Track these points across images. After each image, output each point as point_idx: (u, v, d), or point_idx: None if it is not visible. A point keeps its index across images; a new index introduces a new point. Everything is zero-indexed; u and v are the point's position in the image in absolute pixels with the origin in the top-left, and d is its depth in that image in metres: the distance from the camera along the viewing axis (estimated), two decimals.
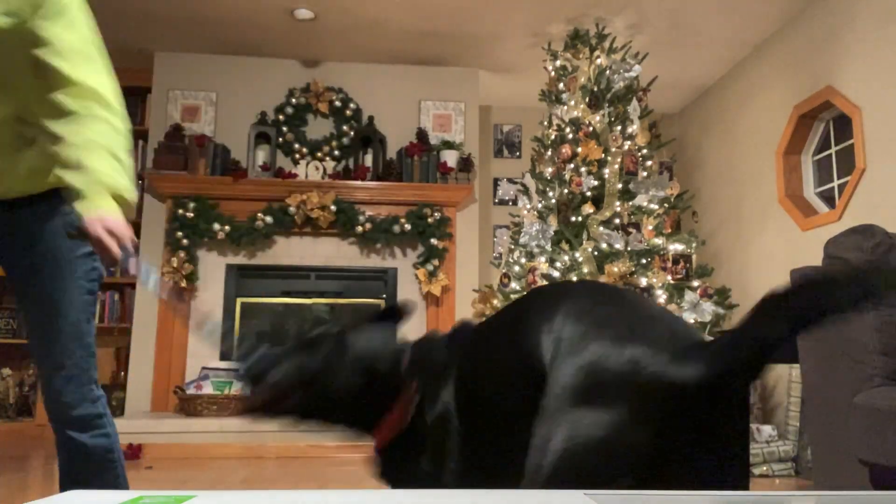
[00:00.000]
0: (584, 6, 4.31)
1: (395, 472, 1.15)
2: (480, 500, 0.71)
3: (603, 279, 3.74)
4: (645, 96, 4.35)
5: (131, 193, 1.42)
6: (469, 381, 1.07)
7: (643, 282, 3.81)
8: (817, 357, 1.85)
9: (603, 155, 4.16)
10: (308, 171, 4.88)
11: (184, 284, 4.64)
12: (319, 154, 4.98)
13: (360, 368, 1.13)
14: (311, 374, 1.13)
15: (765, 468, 3.56)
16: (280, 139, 4.98)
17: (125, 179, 1.41)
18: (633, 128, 4.22)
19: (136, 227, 4.94)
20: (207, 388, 4.33)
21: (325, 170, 4.90)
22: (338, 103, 5.06)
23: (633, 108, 4.24)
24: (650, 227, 3.98)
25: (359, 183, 4.86)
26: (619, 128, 4.20)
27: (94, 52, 1.45)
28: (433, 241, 4.85)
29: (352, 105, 5.07)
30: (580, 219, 4.09)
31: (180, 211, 4.69)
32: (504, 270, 4.38)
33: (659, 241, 3.97)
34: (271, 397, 1.13)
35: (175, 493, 0.72)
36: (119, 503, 0.68)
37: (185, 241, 4.68)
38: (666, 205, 4.12)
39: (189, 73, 5.04)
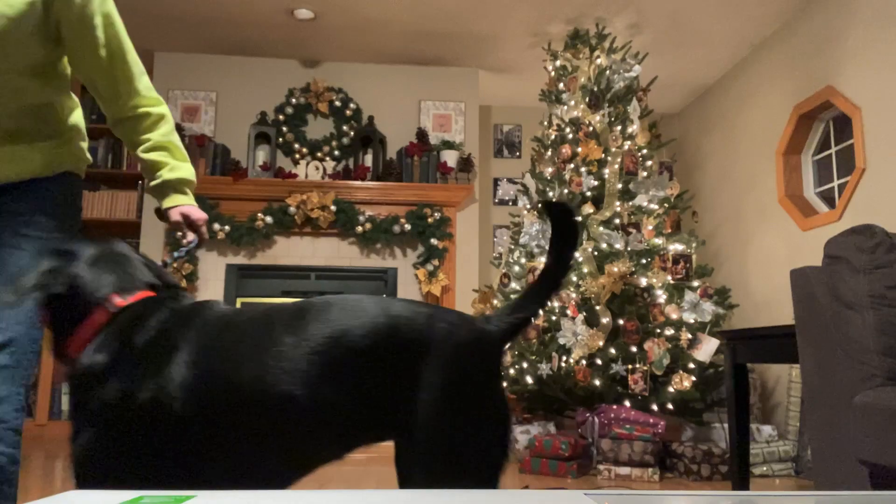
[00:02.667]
0: (584, 6, 4.31)
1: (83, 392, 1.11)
2: (478, 500, 0.71)
3: (603, 279, 3.74)
4: (645, 96, 4.36)
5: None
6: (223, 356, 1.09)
7: (643, 282, 3.81)
8: (817, 357, 1.85)
9: (603, 155, 4.17)
10: (308, 171, 4.89)
11: (183, 284, 4.65)
12: (319, 154, 4.98)
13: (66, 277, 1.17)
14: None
15: (765, 468, 3.55)
16: (280, 139, 4.98)
17: None
18: (633, 128, 4.22)
19: (137, 226, 4.95)
20: None
21: (325, 170, 4.90)
22: (338, 103, 5.06)
23: (633, 108, 4.24)
24: (650, 227, 3.98)
25: (359, 183, 4.86)
26: (619, 128, 4.21)
27: None
28: (433, 241, 4.85)
29: (352, 105, 5.08)
30: (580, 219, 4.10)
31: None
32: (504, 270, 4.38)
33: (659, 241, 3.97)
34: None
35: (175, 492, 0.72)
36: (119, 503, 0.68)
37: None
38: (666, 205, 4.12)
39: (189, 73, 5.04)
